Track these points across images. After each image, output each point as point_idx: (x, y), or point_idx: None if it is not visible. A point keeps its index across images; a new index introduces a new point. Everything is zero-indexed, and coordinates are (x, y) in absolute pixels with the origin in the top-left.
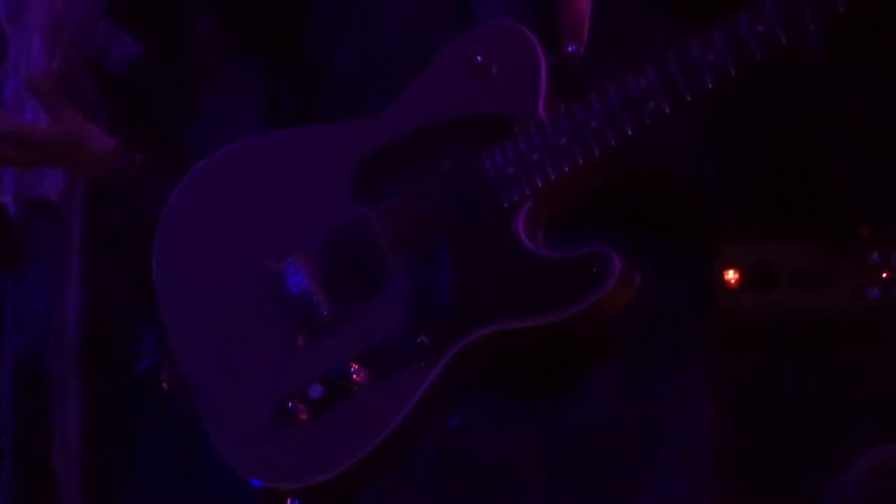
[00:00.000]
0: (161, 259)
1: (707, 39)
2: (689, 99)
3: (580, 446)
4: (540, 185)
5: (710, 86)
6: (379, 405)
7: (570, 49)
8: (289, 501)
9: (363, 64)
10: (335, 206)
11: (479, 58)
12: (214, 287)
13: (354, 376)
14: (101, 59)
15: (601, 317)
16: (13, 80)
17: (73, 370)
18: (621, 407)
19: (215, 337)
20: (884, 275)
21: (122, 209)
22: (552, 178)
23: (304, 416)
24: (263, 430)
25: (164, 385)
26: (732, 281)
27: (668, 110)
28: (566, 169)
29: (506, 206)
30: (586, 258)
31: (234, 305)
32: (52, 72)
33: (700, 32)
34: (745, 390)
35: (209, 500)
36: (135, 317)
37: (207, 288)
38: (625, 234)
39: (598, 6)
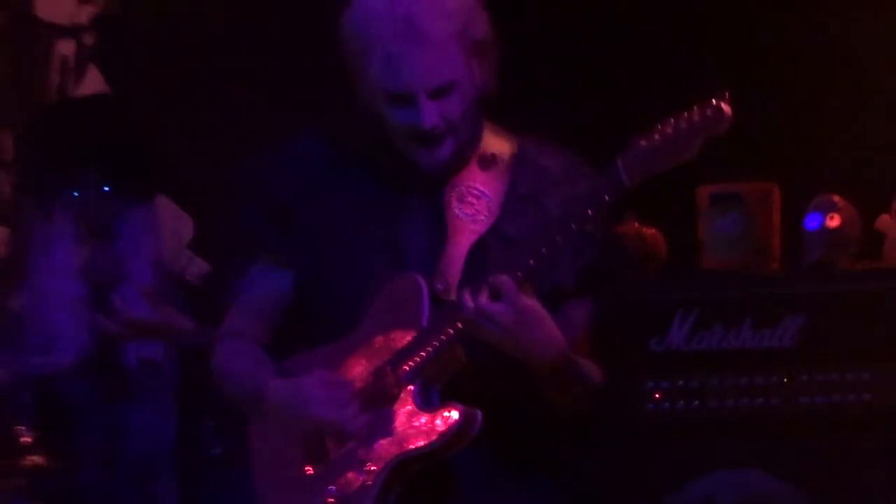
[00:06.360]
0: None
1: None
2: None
3: None
4: (419, 370)
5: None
6: None
7: (438, 286)
8: None
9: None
10: None
11: (391, 299)
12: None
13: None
14: (182, 274)
15: (454, 447)
16: (130, 288)
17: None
18: None
19: (279, 474)
20: None
21: (202, 366)
22: (425, 364)
23: None
24: None
25: None
26: None
27: (460, 326)
28: (431, 358)
29: (405, 384)
30: (443, 411)
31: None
32: (153, 284)
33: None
34: None
35: None
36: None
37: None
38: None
39: (472, 256)
